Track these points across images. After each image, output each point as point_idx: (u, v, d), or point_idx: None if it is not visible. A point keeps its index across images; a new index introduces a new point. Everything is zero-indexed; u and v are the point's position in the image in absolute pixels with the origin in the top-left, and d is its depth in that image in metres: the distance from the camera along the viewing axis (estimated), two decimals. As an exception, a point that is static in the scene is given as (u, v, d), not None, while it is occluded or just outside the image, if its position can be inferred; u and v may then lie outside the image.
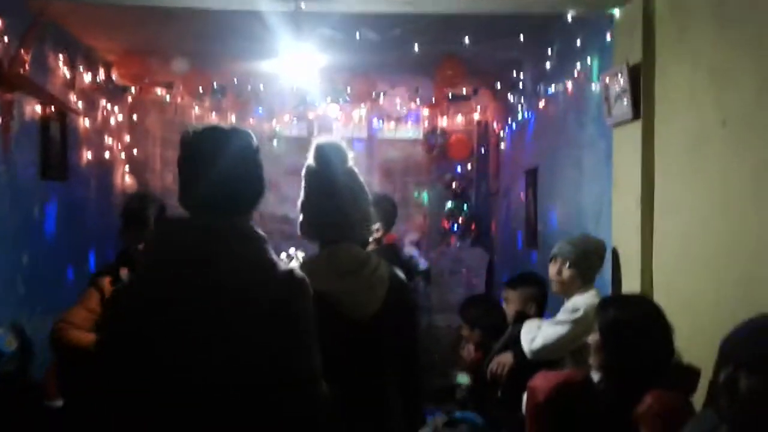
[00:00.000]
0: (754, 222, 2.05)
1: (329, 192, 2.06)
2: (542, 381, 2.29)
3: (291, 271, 1.66)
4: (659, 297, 2.48)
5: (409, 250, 5.56)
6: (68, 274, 4.25)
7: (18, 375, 3.11)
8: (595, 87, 3.24)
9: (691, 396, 2.08)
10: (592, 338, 2.26)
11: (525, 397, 2.39)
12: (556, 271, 2.89)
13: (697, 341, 2.16)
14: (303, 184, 2.15)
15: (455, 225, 6.11)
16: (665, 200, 2.59)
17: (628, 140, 2.79)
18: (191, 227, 1.66)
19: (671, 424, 1.92)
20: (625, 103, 2.71)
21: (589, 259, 2.83)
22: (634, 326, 2.15)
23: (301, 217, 2.13)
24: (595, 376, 2.34)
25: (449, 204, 6.19)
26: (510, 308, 3.28)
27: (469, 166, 6.30)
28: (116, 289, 1.80)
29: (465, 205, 6.19)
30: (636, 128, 2.70)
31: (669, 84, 2.56)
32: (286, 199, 6.17)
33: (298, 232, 2.16)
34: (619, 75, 2.74)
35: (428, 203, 6.37)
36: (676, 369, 2.18)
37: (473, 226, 6.13)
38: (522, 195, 4.78)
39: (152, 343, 1.56)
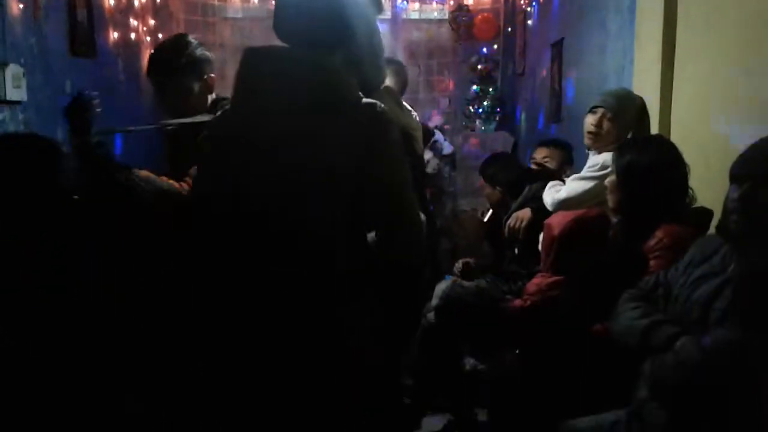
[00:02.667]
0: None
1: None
2: (558, 217, 2.38)
3: (374, 104, 1.64)
4: (678, 144, 2.51)
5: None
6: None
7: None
8: (620, -59, 3.16)
9: (701, 235, 2.14)
10: (609, 180, 2.31)
11: (541, 236, 2.48)
12: (595, 122, 2.77)
13: (711, 186, 2.21)
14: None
15: (480, 109, 6.09)
16: (686, 48, 2.58)
17: (651, -10, 2.75)
18: (275, 56, 1.66)
19: (680, 256, 2.00)
20: (649, -50, 2.66)
21: (630, 112, 2.76)
22: (649, 167, 2.18)
23: None
24: (612, 219, 2.42)
25: (474, 87, 6.15)
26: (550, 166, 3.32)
27: (495, 47, 6.20)
28: (209, 120, 1.82)
29: (491, 88, 6.15)
30: (659, -23, 2.66)
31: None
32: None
33: None
34: None
35: (453, 86, 6.33)
36: (689, 210, 2.24)
37: (498, 110, 6.12)
38: (547, 70, 4.74)
39: (236, 167, 1.64)
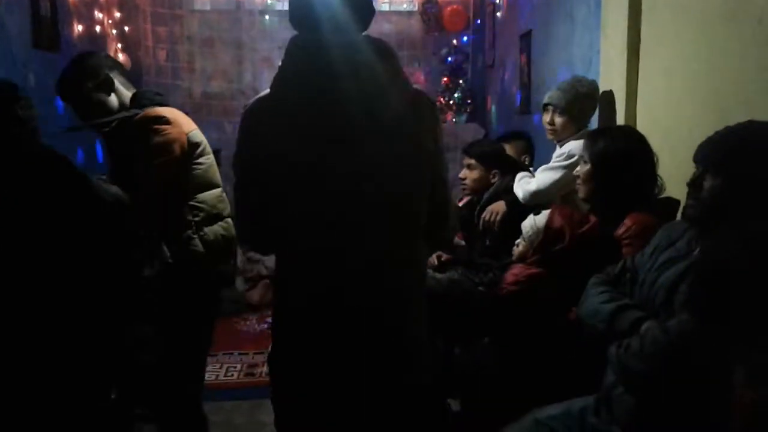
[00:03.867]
0: (731, 45, 2.09)
1: None
2: (562, 221, 2.30)
3: (419, 91, 1.65)
4: (642, 132, 2.54)
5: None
6: (66, 141, 4.32)
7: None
8: (586, -68, 3.19)
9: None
10: (581, 169, 2.32)
11: (534, 228, 2.42)
12: (548, 120, 2.91)
13: (676, 175, 2.23)
14: None
15: (451, 100, 6.11)
16: (650, 39, 2.62)
17: (616, -19, 2.78)
18: (324, 43, 1.53)
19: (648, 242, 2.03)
20: (614, -59, 2.69)
21: (581, 102, 2.84)
22: (624, 155, 2.21)
23: None
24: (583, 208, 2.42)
25: (445, 79, 6.16)
26: None
27: (465, 39, 6.22)
28: (248, 106, 1.62)
29: (461, 80, 6.17)
30: (624, -33, 2.68)
31: None
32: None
33: None
34: None
35: (424, 79, 6.34)
36: (657, 200, 2.27)
37: (469, 101, 6.14)
38: (516, 61, 4.76)
39: (286, 153, 1.53)
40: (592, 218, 2.29)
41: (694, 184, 1.64)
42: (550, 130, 2.92)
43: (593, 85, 2.88)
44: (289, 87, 1.56)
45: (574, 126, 2.86)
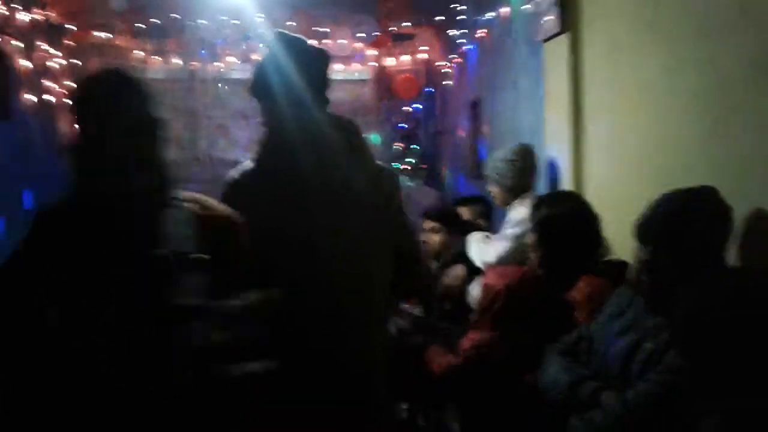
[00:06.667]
0: (669, 115, 2.20)
1: None
2: (496, 277, 2.37)
3: (382, 165, 1.87)
4: (590, 198, 2.62)
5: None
6: (14, 210, 4.22)
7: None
8: (527, 7, 3.34)
9: (619, 286, 2.23)
10: (530, 237, 2.38)
11: (479, 293, 2.47)
12: (488, 188, 3.05)
13: (624, 236, 2.30)
14: None
15: (405, 165, 6.23)
16: (592, 107, 2.73)
17: (556, 54, 2.91)
18: (298, 118, 1.72)
19: (600, 306, 2.08)
20: (553, 17, 2.82)
21: (511, 171, 2.93)
22: (565, 219, 2.29)
23: None
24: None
25: (397, 145, 6.30)
26: None
27: (416, 106, 6.39)
28: (233, 176, 1.78)
29: (414, 145, 6.32)
30: (563, 41, 2.82)
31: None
32: (236, 144, 6.19)
33: None
34: (548, -9, 2.85)
35: (378, 145, 6.45)
36: (605, 262, 2.33)
37: (423, 166, 6.27)
38: (466, 128, 4.90)
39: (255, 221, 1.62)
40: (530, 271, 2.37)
41: (652, 261, 1.70)
42: (493, 199, 3.10)
43: (523, 151, 2.97)
44: (262, 159, 1.75)
45: (509, 194, 2.95)
